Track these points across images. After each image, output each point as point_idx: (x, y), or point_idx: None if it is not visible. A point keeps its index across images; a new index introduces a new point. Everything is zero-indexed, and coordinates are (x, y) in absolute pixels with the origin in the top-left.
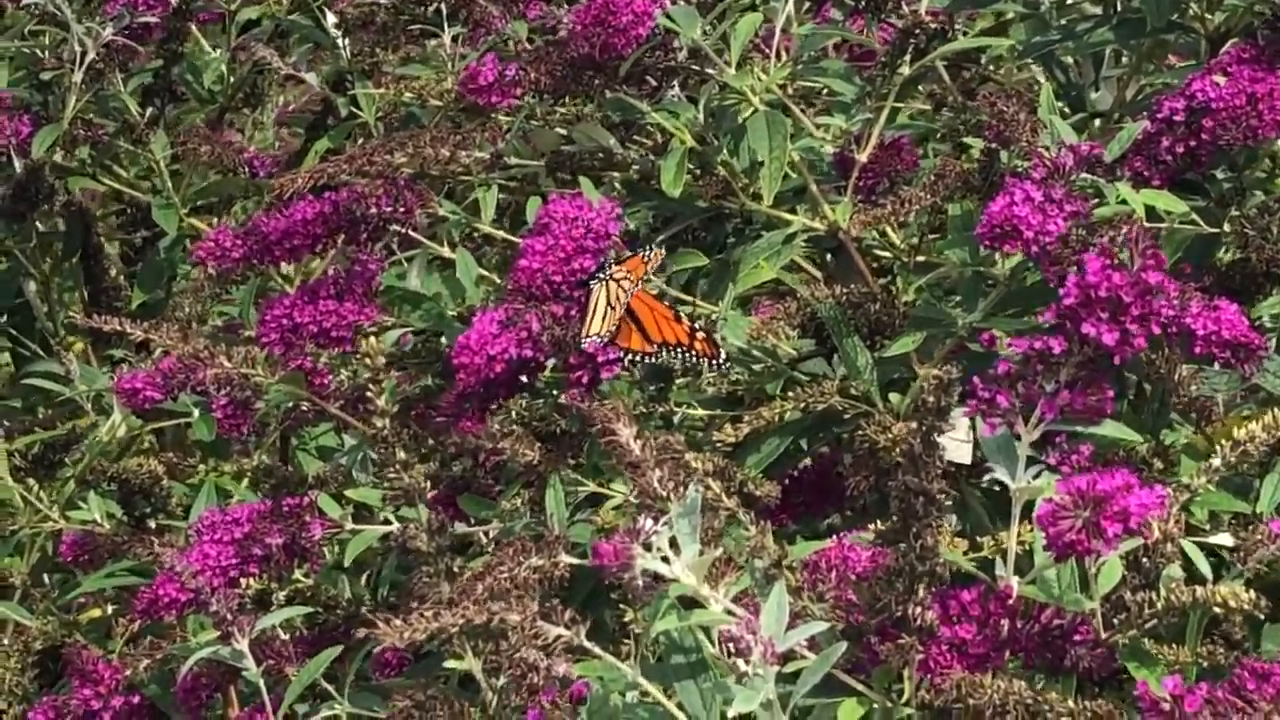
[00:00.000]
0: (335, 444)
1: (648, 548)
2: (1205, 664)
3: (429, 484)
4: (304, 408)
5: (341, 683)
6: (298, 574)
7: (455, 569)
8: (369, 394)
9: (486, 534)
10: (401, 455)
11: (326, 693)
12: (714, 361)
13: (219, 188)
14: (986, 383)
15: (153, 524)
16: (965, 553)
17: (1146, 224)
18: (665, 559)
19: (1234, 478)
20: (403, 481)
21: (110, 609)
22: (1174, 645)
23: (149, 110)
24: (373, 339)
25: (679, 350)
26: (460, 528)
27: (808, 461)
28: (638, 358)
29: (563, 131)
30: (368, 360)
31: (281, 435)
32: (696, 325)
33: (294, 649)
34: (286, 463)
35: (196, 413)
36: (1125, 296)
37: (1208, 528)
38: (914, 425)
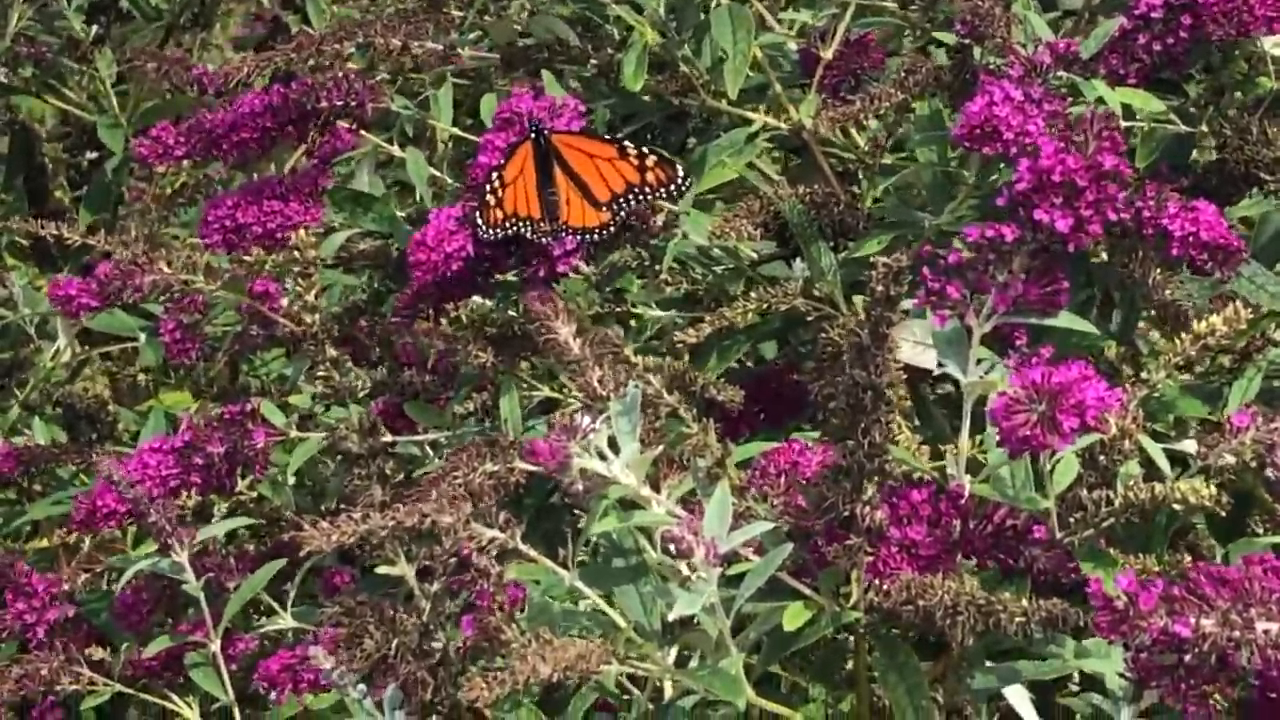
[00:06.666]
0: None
1: (587, 447)
2: (1173, 573)
3: (380, 389)
4: (253, 331)
5: (286, 600)
6: (241, 486)
7: (388, 471)
8: (299, 289)
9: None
10: (332, 352)
11: (274, 609)
12: (673, 187)
13: (167, 107)
14: (937, 274)
15: (99, 449)
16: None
17: (1124, 124)
18: (603, 457)
19: (1204, 384)
20: (334, 380)
21: (57, 537)
22: (1140, 555)
23: (94, 28)
24: (303, 231)
25: (634, 195)
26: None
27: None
28: (594, 235)
29: (518, 26)
30: (297, 254)
31: (230, 361)
32: (644, 150)
33: (240, 564)
34: None
35: (143, 337)
36: (1080, 181)
37: (1174, 434)
38: (862, 317)
